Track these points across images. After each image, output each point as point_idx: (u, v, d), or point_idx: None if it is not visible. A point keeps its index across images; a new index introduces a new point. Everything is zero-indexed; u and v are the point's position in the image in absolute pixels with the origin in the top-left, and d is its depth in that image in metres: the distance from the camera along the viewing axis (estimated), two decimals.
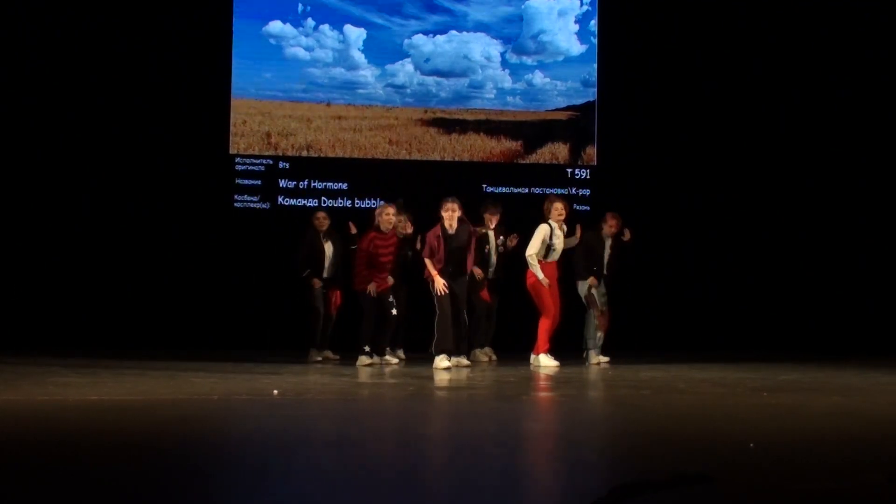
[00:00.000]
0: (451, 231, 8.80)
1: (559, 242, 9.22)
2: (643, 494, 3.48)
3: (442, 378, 7.97)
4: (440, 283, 8.72)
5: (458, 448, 4.69)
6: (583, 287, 9.60)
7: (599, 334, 9.52)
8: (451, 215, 8.78)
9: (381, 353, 9.20)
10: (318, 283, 9.65)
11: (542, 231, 9.13)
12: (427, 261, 8.85)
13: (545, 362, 8.98)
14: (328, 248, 9.75)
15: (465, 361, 9.01)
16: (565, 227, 9.36)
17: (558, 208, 9.19)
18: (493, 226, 9.68)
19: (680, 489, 3.59)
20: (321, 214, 9.87)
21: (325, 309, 9.71)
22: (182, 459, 4.23)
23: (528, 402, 6.76)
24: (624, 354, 9.81)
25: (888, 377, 8.22)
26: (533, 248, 9.07)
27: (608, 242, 9.70)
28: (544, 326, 9.10)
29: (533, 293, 9.18)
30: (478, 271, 9.49)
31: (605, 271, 9.66)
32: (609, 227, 9.68)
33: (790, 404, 6.31)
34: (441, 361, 8.60)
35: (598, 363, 9.36)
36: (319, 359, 9.50)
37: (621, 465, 4.29)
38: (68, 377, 7.29)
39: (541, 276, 9.02)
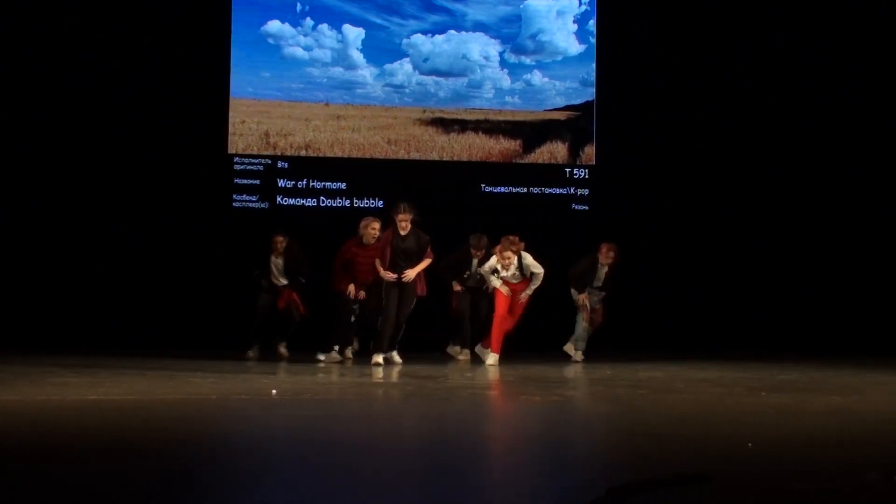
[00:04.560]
0: (403, 233, 9.07)
1: (508, 275, 9.42)
2: (641, 494, 3.48)
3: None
4: (389, 276, 8.99)
5: (456, 448, 4.69)
6: (575, 294, 9.87)
7: (583, 332, 9.79)
8: (405, 226, 9.06)
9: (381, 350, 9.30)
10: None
11: (490, 262, 9.39)
12: (376, 262, 9.14)
13: (490, 360, 9.23)
14: (278, 264, 9.82)
15: (397, 359, 9.23)
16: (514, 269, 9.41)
17: (507, 257, 9.30)
18: (479, 258, 9.76)
19: (678, 489, 3.59)
20: (279, 238, 9.81)
21: (265, 306, 9.78)
22: (180, 459, 4.23)
23: (525, 403, 6.76)
24: (622, 354, 9.81)
25: (886, 377, 8.23)
26: (485, 267, 9.42)
27: (604, 270, 9.87)
28: (497, 326, 9.40)
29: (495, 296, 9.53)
30: (457, 286, 9.90)
31: (599, 285, 9.88)
32: (605, 257, 9.84)
33: (788, 404, 6.32)
34: (378, 357, 8.95)
35: (572, 355, 9.68)
36: (252, 355, 9.60)
37: (619, 464, 4.29)
38: (66, 377, 7.28)
39: (498, 284, 9.35)
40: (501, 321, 9.37)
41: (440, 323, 10.15)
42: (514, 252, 9.30)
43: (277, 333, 9.81)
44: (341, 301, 9.47)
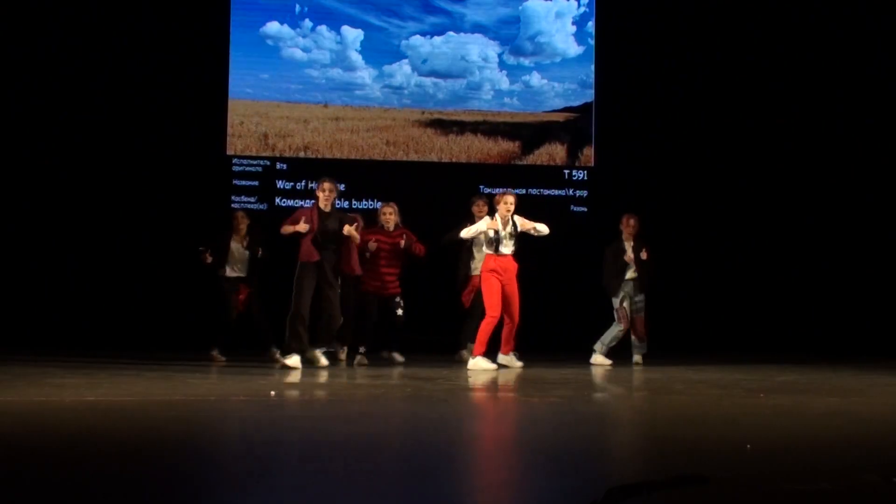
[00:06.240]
0: (326, 210, 8.54)
1: (507, 235, 8.72)
2: (640, 495, 3.47)
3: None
4: (303, 227, 8.36)
5: (456, 449, 4.68)
6: (615, 300, 9.55)
7: (612, 338, 9.48)
8: (326, 196, 8.53)
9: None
10: (207, 259, 9.26)
11: (481, 225, 8.77)
12: (286, 226, 8.51)
13: (482, 365, 8.59)
14: (238, 249, 9.36)
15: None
16: (515, 224, 8.80)
17: (508, 202, 8.75)
18: (482, 215, 9.55)
19: (677, 490, 3.58)
20: (240, 214, 9.48)
21: (228, 309, 9.35)
22: (178, 460, 4.22)
23: (524, 404, 6.76)
24: (620, 355, 9.80)
25: (885, 378, 8.22)
26: (474, 229, 8.78)
27: (629, 245, 9.57)
28: (484, 328, 8.69)
29: (482, 290, 8.80)
30: (473, 282, 9.48)
31: (635, 272, 9.50)
32: (625, 227, 9.59)
33: (787, 405, 6.31)
34: (289, 359, 8.41)
35: (600, 364, 9.32)
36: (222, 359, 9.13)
37: (618, 466, 4.29)
38: (65, 378, 7.27)
39: (476, 272, 8.85)
40: (490, 325, 8.67)
41: (438, 324, 10.09)
42: (509, 207, 8.69)
43: (265, 339, 9.32)
44: (366, 300, 9.21)
